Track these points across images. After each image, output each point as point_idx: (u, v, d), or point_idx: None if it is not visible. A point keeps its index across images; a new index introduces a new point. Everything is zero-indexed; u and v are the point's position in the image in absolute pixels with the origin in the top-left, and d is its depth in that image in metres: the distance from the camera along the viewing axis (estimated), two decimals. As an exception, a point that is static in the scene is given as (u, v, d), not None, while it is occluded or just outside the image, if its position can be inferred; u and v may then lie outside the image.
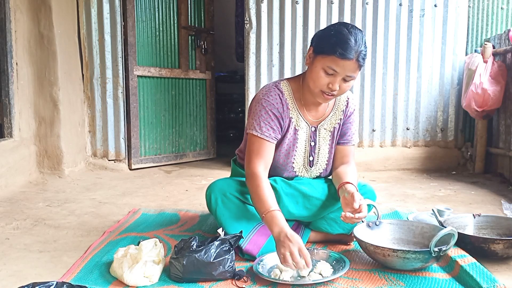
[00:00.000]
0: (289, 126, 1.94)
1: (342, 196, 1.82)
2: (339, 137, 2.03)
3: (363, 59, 1.77)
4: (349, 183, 1.84)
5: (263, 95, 1.91)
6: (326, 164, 2.04)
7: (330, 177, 2.07)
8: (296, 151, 1.97)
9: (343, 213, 1.72)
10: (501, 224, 2.04)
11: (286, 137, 1.95)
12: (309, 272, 1.66)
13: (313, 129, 1.98)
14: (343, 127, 2.02)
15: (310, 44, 1.88)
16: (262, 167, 1.84)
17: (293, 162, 1.99)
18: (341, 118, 2.01)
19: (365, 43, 1.78)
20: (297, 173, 2.02)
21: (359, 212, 1.71)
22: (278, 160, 1.96)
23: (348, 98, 2.02)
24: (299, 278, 1.66)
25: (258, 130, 1.87)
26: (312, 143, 1.99)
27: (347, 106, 2.01)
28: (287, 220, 2.00)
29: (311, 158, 2.00)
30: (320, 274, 1.66)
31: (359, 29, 1.80)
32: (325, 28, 1.86)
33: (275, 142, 1.91)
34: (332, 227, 2.01)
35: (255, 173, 1.82)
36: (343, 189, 1.84)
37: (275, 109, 1.89)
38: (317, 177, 2.07)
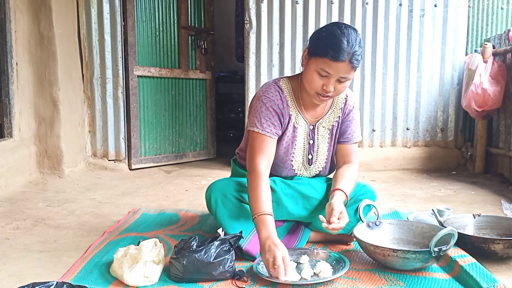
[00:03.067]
0: (288, 123, 1.94)
1: (327, 204, 1.81)
2: (339, 136, 2.02)
3: (357, 60, 1.74)
4: (339, 189, 1.84)
5: (263, 92, 1.92)
6: (325, 162, 2.03)
7: (331, 176, 2.06)
8: (295, 148, 1.97)
9: (324, 224, 1.71)
10: (501, 224, 2.04)
11: (285, 134, 1.94)
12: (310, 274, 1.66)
13: (311, 127, 1.98)
14: (342, 125, 2.00)
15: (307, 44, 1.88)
16: (264, 164, 1.83)
17: (292, 160, 1.98)
18: (339, 116, 2.00)
19: (359, 43, 1.75)
20: (296, 171, 2.01)
21: (335, 223, 1.71)
22: (277, 157, 1.95)
23: (346, 96, 2.01)
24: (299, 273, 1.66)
25: (259, 127, 1.87)
26: (311, 141, 1.98)
27: (345, 104, 2.00)
28: (287, 221, 2.01)
29: (310, 157, 2.00)
30: (320, 274, 1.65)
31: (354, 29, 1.78)
32: (319, 29, 1.85)
33: (276, 137, 1.91)
34: (332, 227, 2.01)
35: (257, 170, 1.81)
36: (331, 196, 1.84)
37: (275, 105, 1.89)
38: (317, 175, 2.07)
